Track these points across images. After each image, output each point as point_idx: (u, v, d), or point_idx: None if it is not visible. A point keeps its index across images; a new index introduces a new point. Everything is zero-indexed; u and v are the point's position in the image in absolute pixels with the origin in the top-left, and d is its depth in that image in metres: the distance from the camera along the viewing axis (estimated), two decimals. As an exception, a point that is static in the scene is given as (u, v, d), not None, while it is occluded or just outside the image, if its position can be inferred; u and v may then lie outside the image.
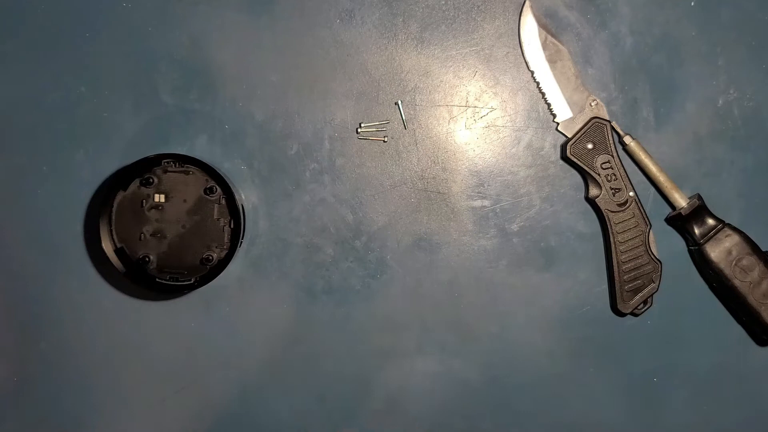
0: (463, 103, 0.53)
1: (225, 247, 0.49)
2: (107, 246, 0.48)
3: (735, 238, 0.51)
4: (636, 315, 0.53)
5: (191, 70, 0.53)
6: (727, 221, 0.52)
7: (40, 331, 0.53)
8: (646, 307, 0.53)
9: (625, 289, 0.52)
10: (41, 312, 0.53)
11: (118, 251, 0.49)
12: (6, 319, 0.53)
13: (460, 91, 0.53)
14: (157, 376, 0.53)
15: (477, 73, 0.53)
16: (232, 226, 0.49)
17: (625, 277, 0.52)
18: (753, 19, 0.53)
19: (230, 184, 0.49)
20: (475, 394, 0.54)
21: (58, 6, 0.53)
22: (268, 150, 0.53)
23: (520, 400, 0.54)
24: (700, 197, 0.52)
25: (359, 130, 0.53)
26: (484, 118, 0.53)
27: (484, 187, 0.53)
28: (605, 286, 0.53)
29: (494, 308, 0.53)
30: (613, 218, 0.52)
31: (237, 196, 0.49)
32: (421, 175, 0.53)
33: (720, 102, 0.53)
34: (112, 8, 0.53)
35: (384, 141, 0.53)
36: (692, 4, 0.53)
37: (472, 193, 0.53)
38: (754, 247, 0.52)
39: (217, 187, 0.49)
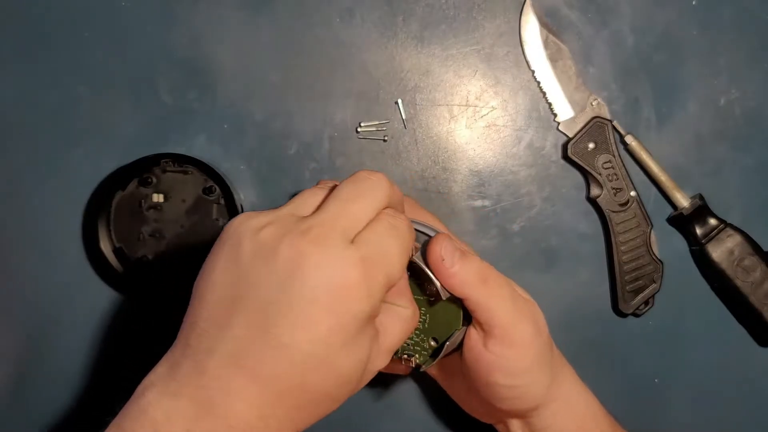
0: (464, 103, 0.53)
1: None
2: (105, 246, 0.48)
3: (737, 239, 0.51)
4: (637, 315, 0.53)
5: (191, 69, 0.53)
6: (728, 221, 0.52)
7: (39, 331, 0.53)
8: (647, 308, 0.52)
9: (627, 290, 0.52)
10: (40, 312, 0.53)
11: (117, 251, 0.49)
12: (6, 319, 0.53)
13: (461, 91, 0.53)
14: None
15: (477, 73, 0.53)
16: None
17: (626, 278, 0.52)
18: (755, 18, 0.53)
19: (229, 184, 0.49)
20: (476, 395, 0.53)
21: (57, 5, 0.53)
22: (267, 150, 0.53)
23: (520, 400, 0.53)
24: (701, 197, 0.52)
25: (359, 129, 0.53)
26: (485, 117, 0.53)
27: (484, 186, 0.53)
28: (606, 286, 0.53)
29: (495, 308, 0.53)
30: (614, 218, 0.52)
31: (236, 196, 0.49)
32: (421, 175, 0.53)
33: (722, 101, 0.53)
34: (112, 8, 0.52)
35: (384, 141, 0.53)
36: (693, 3, 0.53)
37: (473, 193, 0.53)
38: (755, 248, 0.51)
39: (216, 187, 0.49)
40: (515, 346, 0.38)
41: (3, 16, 0.53)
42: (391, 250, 0.34)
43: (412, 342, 0.41)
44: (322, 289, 0.31)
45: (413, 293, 0.39)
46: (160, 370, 0.33)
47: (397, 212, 0.36)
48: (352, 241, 0.33)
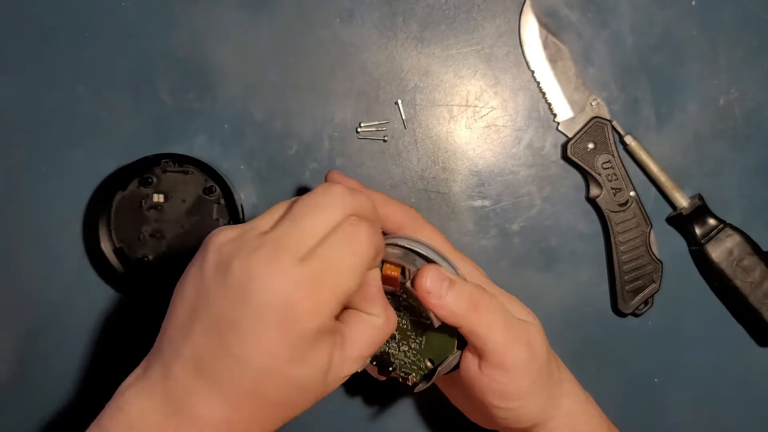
0: (464, 103, 0.53)
1: None
2: (106, 246, 0.48)
3: (736, 239, 0.51)
4: (637, 315, 0.53)
5: (191, 69, 0.53)
6: (728, 221, 0.52)
7: (39, 330, 0.53)
8: (647, 308, 0.52)
9: (626, 290, 0.52)
10: (40, 312, 0.53)
11: (117, 251, 0.49)
12: (6, 319, 0.53)
13: (461, 91, 0.53)
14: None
15: (477, 73, 0.53)
16: None
17: (626, 278, 0.52)
18: (754, 18, 0.53)
19: (229, 184, 0.49)
20: (476, 395, 0.53)
21: (57, 5, 0.53)
22: (267, 150, 0.53)
23: (520, 400, 0.54)
24: (701, 197, 0.52)
25: (359, 129, 0.53)
26: (485, 117, 0.53)
27: (484, 187, 0.53)
28: (606, 286, 0.53)
29: (495, 308, 0.53)
30: (614, 218, 0.52)
31: (236, 196, 0.49)
32: (421, 175, 0.53)
33: (721, 101, 0.53)
34: (112, 8, 0.52)
35: (384, 141, 0.53)
36: (693, 3, 0.53)
37: (473, 193, 0.53)
38: (755, 248, 0.51)
39: (217, 187, 0.49)
40: (509, 371, 0.39)
41: (3, 17, 0.53)
42: (343, 264, 0.34)
43: (409, 361, 0.41)
44: (268, 308, 0.32)
45: (412, 314, 0.40)
46: (137, 371, 0.35)
47: (361, 221, 0.35)
48: (304, 257, 0.33)
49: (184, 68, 0.53)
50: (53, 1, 0.53)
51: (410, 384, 0.42)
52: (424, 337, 0.40)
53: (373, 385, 0.50)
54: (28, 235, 0.53)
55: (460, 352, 0.40)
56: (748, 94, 0.53)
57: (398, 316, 0.40)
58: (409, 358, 0.41)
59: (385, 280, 0.39)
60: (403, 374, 0.42)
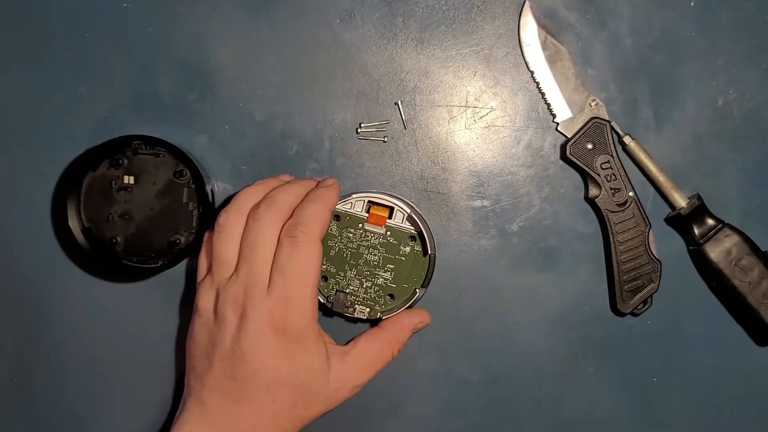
0: (463, 104, 0.53)
1: (193, 231, 0.49)
2: (75, 226, 0.48)
3: (734, 238, 0.51)
4: (636, 315, 0.53)
5: (191, 70, 0.53)
6: (726, 221, 0.52)
7: (38, 328, 0.53)
8: (645, 307, 0.53)
9: (625, 289, 0.52)
10: (40, 311, 0.53)
11: (86, 231, 0.48)
12: (6, 319, 0.53)
13: (460, 92, 0.53)
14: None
15: (477, 74, 0.53)
16: (200, 211, 0.49)
17: (624, 277, 0.52)
18: (753, 19, 0.53)
19: (200, 169, 0.48)
20: (475, 394, 0.54)
21: (58, 6, 0.53)
22: (268, 150, 0.53)
23: (520, 400, 0.54)
24: (699, 197, 0.52)
25: (359, 130, 0.53)
26: (484, 118, 0.53)
27: (483, 187, 0.53)
28: (605, 286, 0.53)
29: (494, 308, 0.53)
30: (612, 218, 0.52)
31: (206, 181, 0.49)
32: (421, 175, 0.53)
33: (720, 102, 0.53)
34: (112, 8, 0.53)
35: (384, 141, 0.53)
36: (692, 4, 0.53)
37: (472, 193, 0.53)
38: (753, 247, 0.52)
39: (187, 170, 0.49)
40: None
41: (5, 17, 0.53)
42: (300, 274, 0.45)
43: (369, 297, 0.50)
44: (261, 332, 0.45)
45: (389, 251, 0.49)
46: (183, 411, 0.46)
47: (297, 234, 0.45)
48: (270, 285, 0.45)
49: (184, 68, 0.53)
50: (54, 1, 0.53)
51: (364, 318, 0.50)
52: (394, 273, 0.49)
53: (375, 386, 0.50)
54: (28, 235, 0.53)
55: (425, 289, 0.49)
56: (746, 95, 0.53)
57: (372, 254, 0.49)
58: (369, 294, 0.50)
59: (374, 219, 0.49)
60: (359, 308, 0.49)
